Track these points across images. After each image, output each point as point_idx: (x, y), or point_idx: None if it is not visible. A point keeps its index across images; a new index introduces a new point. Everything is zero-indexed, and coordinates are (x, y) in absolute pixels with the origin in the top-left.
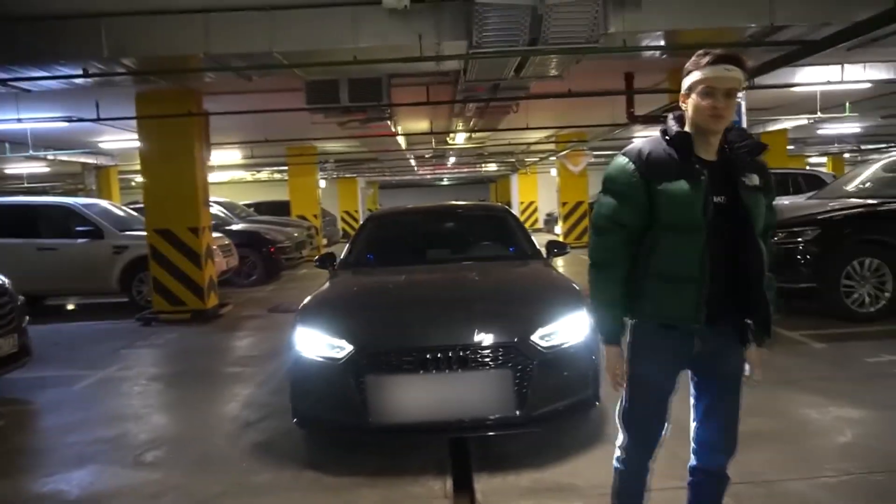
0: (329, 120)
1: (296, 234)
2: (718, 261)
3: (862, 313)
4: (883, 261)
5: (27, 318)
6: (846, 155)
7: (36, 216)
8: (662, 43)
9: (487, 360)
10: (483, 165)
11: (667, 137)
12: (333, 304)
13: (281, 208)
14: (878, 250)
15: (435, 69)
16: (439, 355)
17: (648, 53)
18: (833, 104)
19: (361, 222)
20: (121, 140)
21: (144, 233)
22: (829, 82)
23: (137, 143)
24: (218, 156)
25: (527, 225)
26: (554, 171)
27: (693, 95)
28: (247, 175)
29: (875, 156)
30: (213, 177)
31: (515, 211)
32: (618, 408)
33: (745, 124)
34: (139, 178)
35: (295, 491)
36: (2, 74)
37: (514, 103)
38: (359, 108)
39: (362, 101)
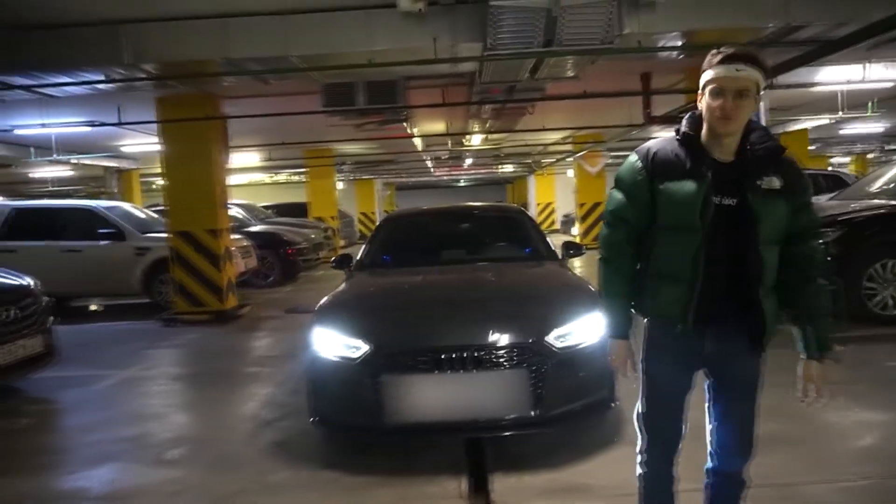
0: (346, 122)
1: (313, 236)
2: (718, 264)
3: (884, 316)
4: None
5: (53, 318)
6: (870, 155)
7: (60, 219)
8: (679, 43)
9: (503, 360)
10: (500, 167)
11: (678, 138)
12: (350, 304)
13: (299, 210)
14: None
15: (450, 71)
16: (454, 355)
17: (665, 53)
18: (856, 103)
19: (378, 224)
20: (142, 143)
21: (165, 235)
22: (850, 81)
23: (158, 147)
24: (237, 158)
25: (544, 226)
26: (571, 173)
27: (705, 95)
28: (265, 177)
29: None
30: (232, 179)
31: (532, 212)
32: (635, 411)
33: (764, 124)
34: (160, 181)
35: (312, 490)
36: (27, 81)
37: (529, 105)
38: (375, 110)
39: (378, 103)
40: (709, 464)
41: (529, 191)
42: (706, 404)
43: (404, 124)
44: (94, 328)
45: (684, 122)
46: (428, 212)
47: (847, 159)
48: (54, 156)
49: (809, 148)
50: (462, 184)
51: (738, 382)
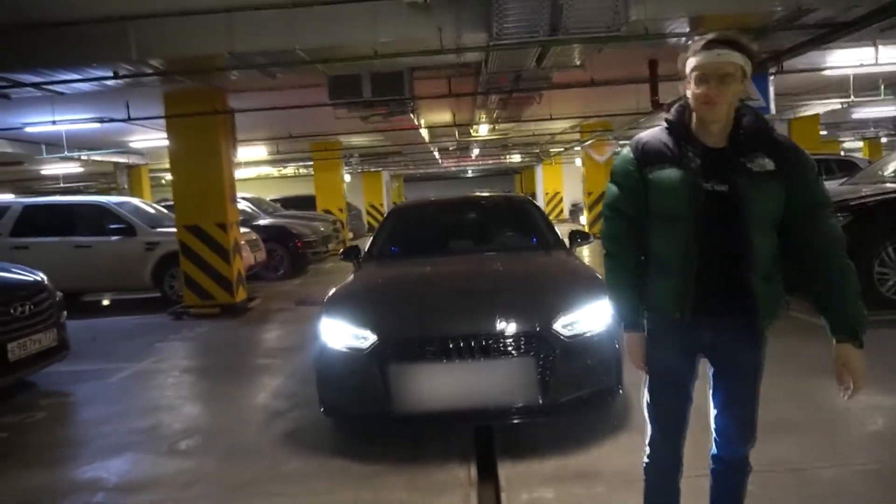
0: (352, 114)
1: (322, 229)
2: (713, 252)
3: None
4: None
5: (65, 313)
6: (883, 139)
7: (71, 215)
8: (686, 29)
9: (510, 348)
10: (507, 156)
11: (666, 127)
12: (358, 295)
13: (307, 203)
14: None
15: (456, 61)
16: (462, 344)
17: (673, 40)
18: (867, 87)
19: (385, 215)
20: (151, 139)
21: (175, 229)
22: (861, 64)
23: (167, 142)
24: (244, 152)
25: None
26: (579, 162)
27: (691, 83)
28: (273, 171)
29: None
30: (240, 173)
31: (540, 201)
32: (643, 400)
33: (773, 110)
34: (169, 176)
35: (323, 479)
36: (37, 78)
37: (536, 94)
38: (381, 101)
39: (384, 94)
40: (713, 450)
41: (537, 180)
42: (709, 392)
43: (411, 115)
44: (106, 322)
45: (672, 110)
46: (435, 202)
47: (859, 144)
48: (65, 152)
49: (821, 133)
50: (470, 174)
51: (738, 371)
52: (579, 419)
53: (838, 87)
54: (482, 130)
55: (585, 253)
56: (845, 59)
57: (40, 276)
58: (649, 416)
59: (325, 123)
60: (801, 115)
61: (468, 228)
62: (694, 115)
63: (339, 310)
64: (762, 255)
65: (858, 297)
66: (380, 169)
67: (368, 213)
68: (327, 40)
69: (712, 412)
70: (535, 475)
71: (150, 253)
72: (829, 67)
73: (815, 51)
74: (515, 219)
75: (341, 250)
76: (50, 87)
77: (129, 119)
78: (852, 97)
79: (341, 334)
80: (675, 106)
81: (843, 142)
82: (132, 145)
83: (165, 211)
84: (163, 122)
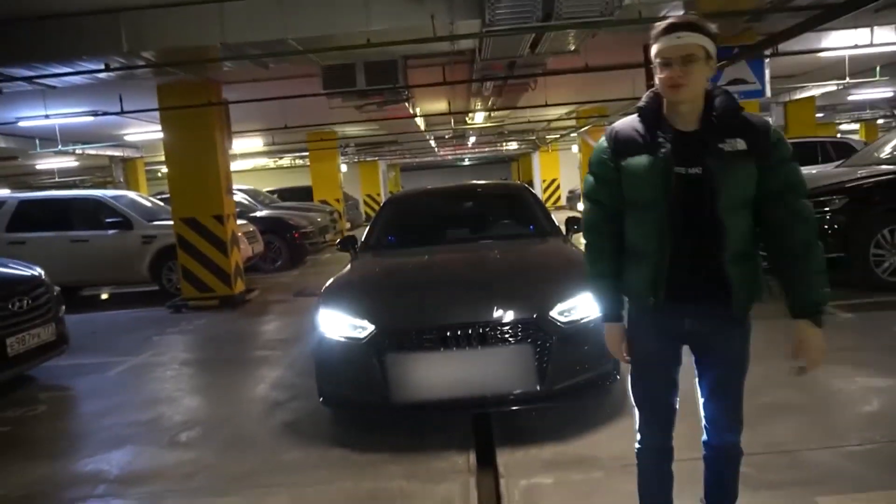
0: (347, 104)
1: (319, 219)
2: (688, 237)
3: (892, 282)
4: None
5: (63, 308)
6: (879, 121)
7: (68, 209)
8: (681, 13)
9: (507, 336)
10: (504, 144)
11: (637, 114)
12: (355, 285)
13: (304, 194)
14: None
15: (450, 49)
16: (459, 332)
17: None
18: (863, 69)
19: (381, 205)
20: (145, 132)
21: (171, 222)
22: (857, 46)
23: (161, 135)
24: (240, 144)
25: (549, 203)
26: (575, 148)
27: (657, 69)
28: (269, 162)
29: None
30: (235, 165)
31: (538, 189)
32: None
33: (768, 92)
34: (165, 169)
35: (322, 468)
36: (27, 72)
37: (531, 80)
38: (375, 91)
39: (378, 83)
40: (704, 437)
41: (534, 167)
42: (695, 380)
43: (406, 104)
44: (104, 316)
45: (644, 97)
46: (431, 192)
47: (856, 126)
48: (59, 147)
49: (818, 115)
50: (466, 163)
51: (721, 358)
52: (577, 405)
53: (834, 69)
54: (478, 118)
55: (582, 240)
56: (840, 41)
57: (38, 271)
58: (636, 403)
59: (319, 113)
60: (797, 97)
61: (464, 217)
62: (665, 100)
63: (337, 300)
64: (734, 235)
65: (823, 277)
66: (376, 158)
67: (365, 203)
68: (319, 29)
69: (700, 400)
70: (534, 462)
71: (147, 246)
72: (824, 49)
73: (810, 33)
74: (512, 207)
75: (338, 240)
76: (41, 80)
77: (122, 112)
78: (848, 79)
79: (339, 324)
80: (647, 93)
81: (839, 124)
82: (127, 138)
83: (162, 204)
84: (157, 114)
